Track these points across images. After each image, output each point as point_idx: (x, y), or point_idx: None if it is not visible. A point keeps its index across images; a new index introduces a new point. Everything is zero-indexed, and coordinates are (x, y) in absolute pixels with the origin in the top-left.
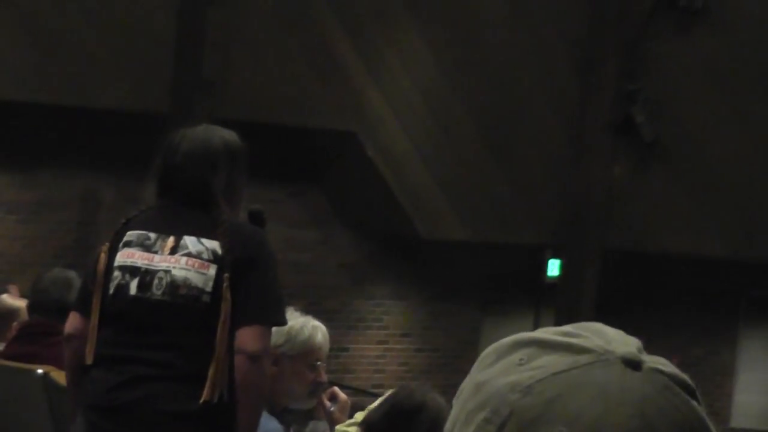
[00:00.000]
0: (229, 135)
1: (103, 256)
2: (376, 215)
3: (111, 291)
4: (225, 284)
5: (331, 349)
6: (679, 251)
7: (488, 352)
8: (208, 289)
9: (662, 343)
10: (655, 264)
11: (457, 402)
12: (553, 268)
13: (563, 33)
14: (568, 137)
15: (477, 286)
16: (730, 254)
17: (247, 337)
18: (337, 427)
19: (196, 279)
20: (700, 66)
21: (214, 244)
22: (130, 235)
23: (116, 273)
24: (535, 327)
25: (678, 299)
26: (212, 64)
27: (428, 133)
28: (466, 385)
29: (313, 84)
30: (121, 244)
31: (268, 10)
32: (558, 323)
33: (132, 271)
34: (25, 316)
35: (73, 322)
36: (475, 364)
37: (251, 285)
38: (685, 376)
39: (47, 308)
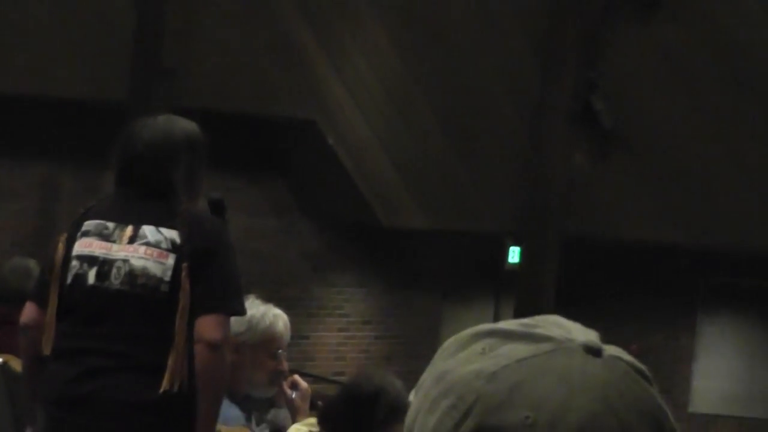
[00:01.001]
0: (190, 125)
1: (60, 246)
2: (337, 204)
3: (68, 281)
4: (183, 273)
5: (291, 337)
6: (638, 239)
7: (449, 342)
8: (167, 278)
9: (622, 330)
10: (614, 251)
11: (417, 393)
12: (513, 255)
13: (522, 21)
14: (527, 125)
15: (437, 274)
16: (689, 241)
17: (206, 326)
18: (294, 426)
19: (154, 268)
20: (659, 54)
21: (172, 234)
22: (88, 224)
23: (74, 263)
24: (496, 314)
25: (637, 286)
26: (172, 52)
27: (388, 121)
28: (427, 375)
29: (274, 72)
30: (79, 234)
31: None
32: (518, 311)
33: (90, 260)
34: None
35: (29, 312)
36: (436, 355)
37: (210, 274)
38: (641, 365)
39: (6, 297)
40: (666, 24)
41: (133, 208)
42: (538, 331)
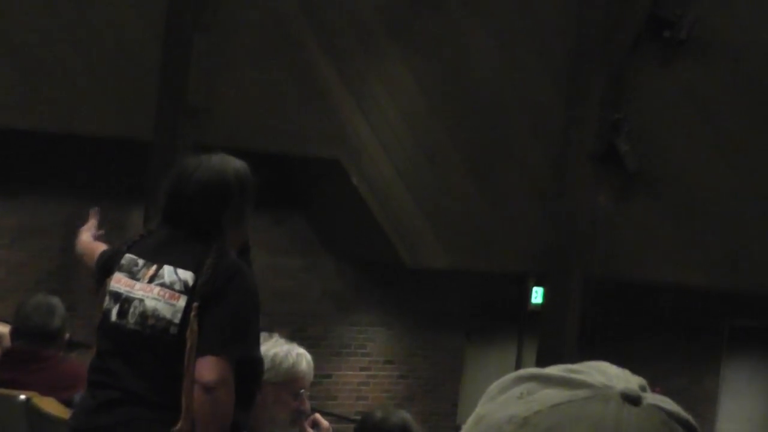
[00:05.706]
0: (242, 165)
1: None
2: (360, 243)
3: (101, 315)
4: (192, 313)
5: (314, 376)
6: (662, 280)
7: (492, 386)
8: (176, 321)
9: (645, 372)
10: (638, 293)
11: None
12: (537, 296)
13: (547, 63)
14: (552, 166)
15: (460, 314)
16: (713, 284)
17: (202, 368)
18: None
19: (164, 310)
20: (684, 96)
21: (187, 275)
22: (126, 258)
23: (107, 297)
24: (519, 355)
25: (661, 328)
26: (197, 91)
27: (412, 161)
28: (470, 419)
29: (298, 112)
30: (116, 266)
31: (253, 38)
32: (541, 352)
33: (116, 297)
34: (7, 342)
35: None
36: (481, 399)
37: (213, 317)
38: (687, 416)
39: (30, 334)
40: (692, 66)
41: (166, 248)
42: (578, 377)
